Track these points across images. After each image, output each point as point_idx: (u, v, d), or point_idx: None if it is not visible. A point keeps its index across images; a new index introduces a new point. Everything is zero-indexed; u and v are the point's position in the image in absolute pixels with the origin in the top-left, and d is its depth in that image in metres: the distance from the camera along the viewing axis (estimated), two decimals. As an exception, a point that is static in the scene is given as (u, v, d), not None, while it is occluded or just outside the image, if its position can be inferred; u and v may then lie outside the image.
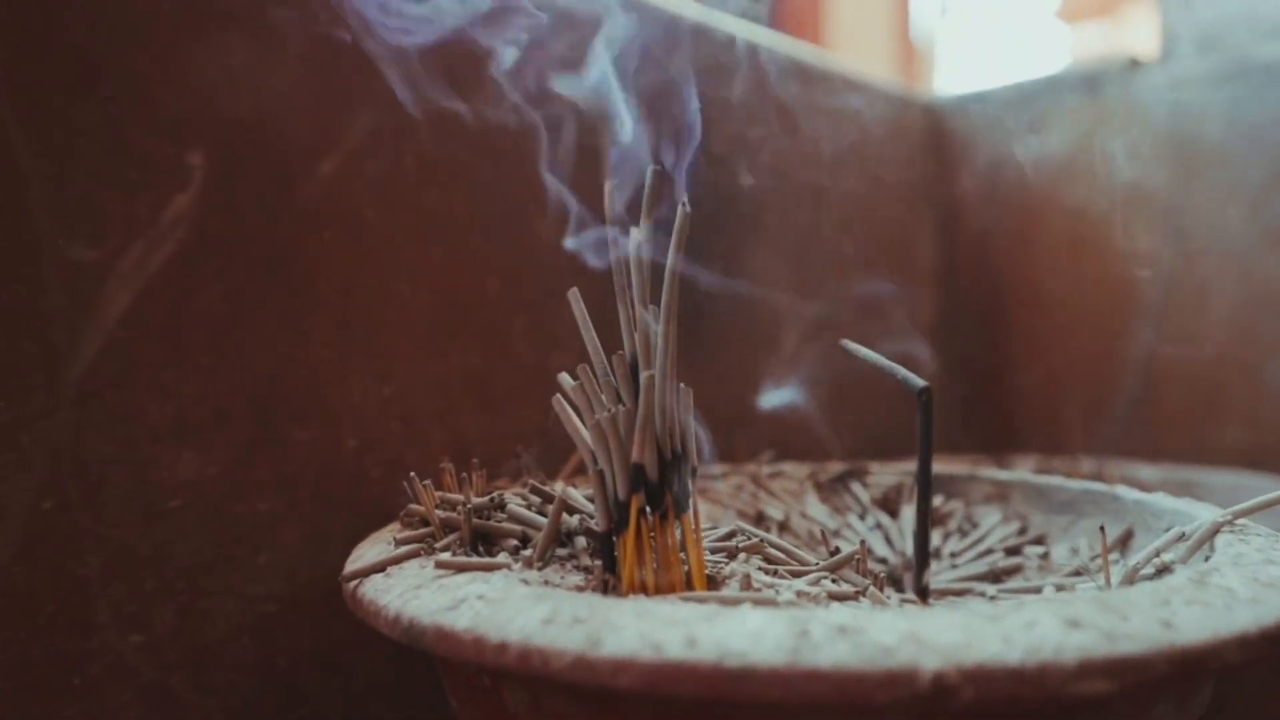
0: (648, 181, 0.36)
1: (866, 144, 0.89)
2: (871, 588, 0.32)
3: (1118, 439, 0.89)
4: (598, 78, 0.51)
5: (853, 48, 1.35)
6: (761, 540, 0.37)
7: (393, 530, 0.40)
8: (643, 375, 0.33)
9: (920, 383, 0.31)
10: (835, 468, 0.55)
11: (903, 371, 0.33)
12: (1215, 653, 0.25)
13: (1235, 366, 0.83)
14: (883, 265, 0.91)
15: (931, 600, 0.35)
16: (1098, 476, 0.67)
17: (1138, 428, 0.88)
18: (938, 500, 0.51)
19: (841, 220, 0.85)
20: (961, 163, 1.00)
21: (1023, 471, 0.54)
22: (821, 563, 0.36)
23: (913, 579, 0.30)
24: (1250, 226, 0.82)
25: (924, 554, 0.30)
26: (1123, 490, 0.44)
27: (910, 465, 0.57)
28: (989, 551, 0.45)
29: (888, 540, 0.48)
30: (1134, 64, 0.91)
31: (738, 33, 0.73)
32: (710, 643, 0.25)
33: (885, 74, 1.02)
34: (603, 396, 0.35)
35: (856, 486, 0.53)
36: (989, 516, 0.48)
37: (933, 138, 1.00)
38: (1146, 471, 0.72)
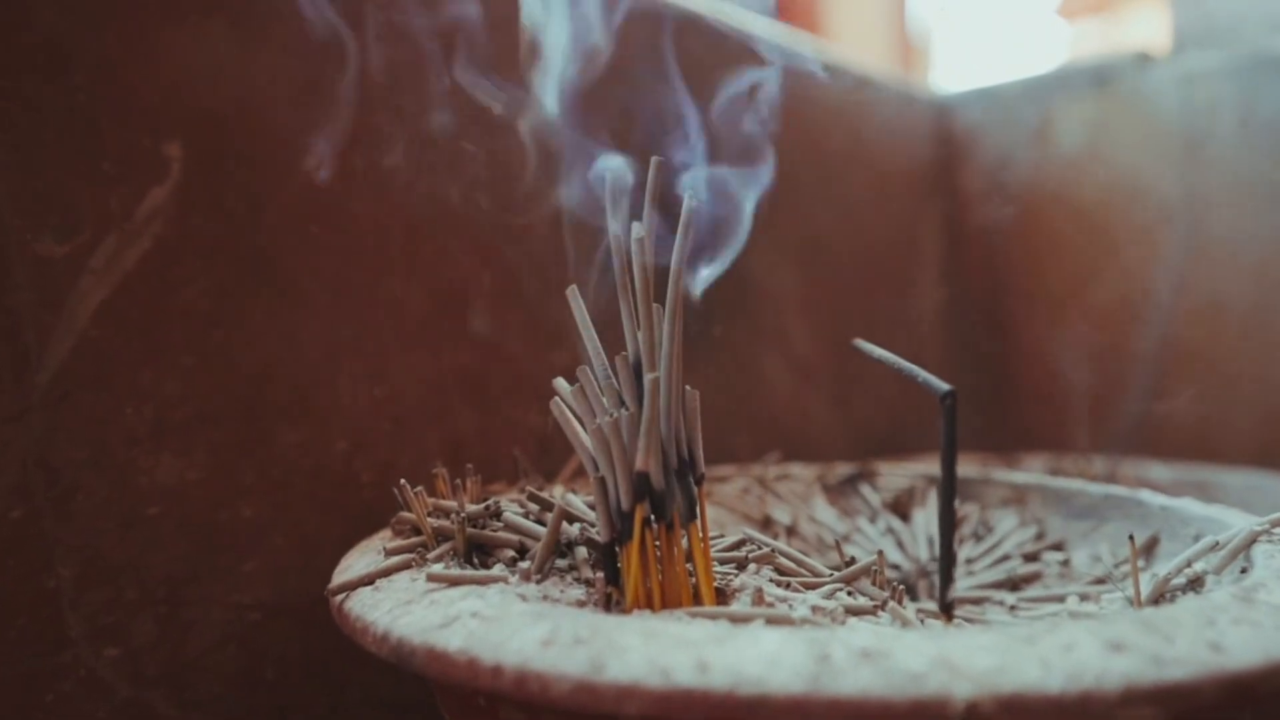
0: (651, 174, 0.34)
1: (872, 139, 0.87)
2: (892, 602, 0.31)
3: (1126, 438, 0.87)
4: (596, 67, 0.49)
5: (850, 43, 1.33)
6: (773, 550, 0.35)
7: (383, 538, 0.38)
8: (647, 377, 0.31)
9: (944, 386, 0.29)
10: (843, 469, 0.53)
11: (923, 374, 0.31)
12: (1268, 677, 0.23)
13: (1247, 364, 0.81)
14: (888, 261, 0.89)
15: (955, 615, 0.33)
16: (1111, 477, 0.65)
17: (1147, 426, 0.86)
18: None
19: (847, 216, 0.83)
20: (968, 158, 0.99)
21: (1039, 474, 0.52)
22: (836, 574, 0.34)
23: (938, 595, 0.28)
24: (1263, 221, 0.80)
25: (949, 567, 0.28)
26: (1147, 495, 0.42)
27: (919, 466, 0.55)
28: (1006, 558, 0.44)
29: (900, 545, 0.46)
30: (1144, 58, 0.89)
31: (742, 25, 0.71)
32: (723, 667, 0.23)
33: (885, 68, 1.00)
34: (604, 400, 0.33)
35: (866, 489, 0.51)
36: (1005, 521, 0.47)
37: (939, 133, 0.98)
38: (1159, 471, 0.70)
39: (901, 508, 0.50)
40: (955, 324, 0.98)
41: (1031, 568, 0.42)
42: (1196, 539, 0.37)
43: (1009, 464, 0.74)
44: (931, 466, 0.56)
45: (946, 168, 0.98)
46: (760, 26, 0.74)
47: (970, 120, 0.98)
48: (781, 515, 0.48)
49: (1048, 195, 0.94)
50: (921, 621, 0.31)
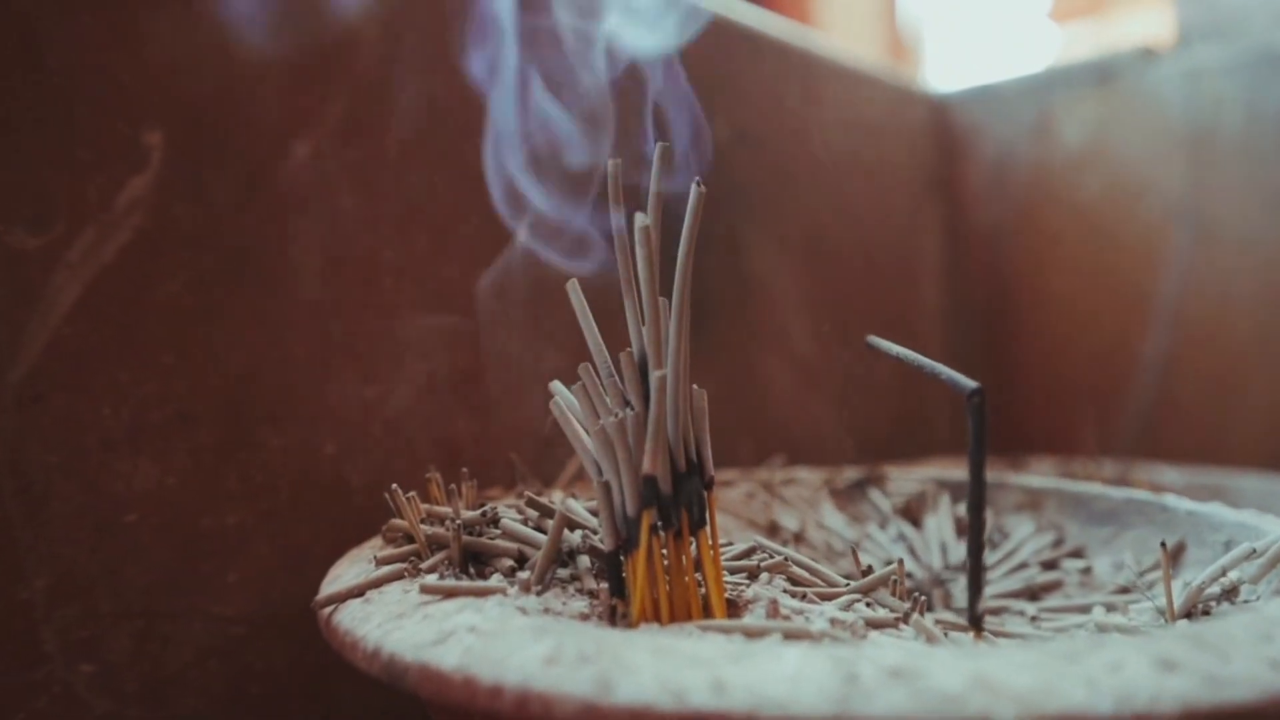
0: (655, 160, 0.32)
1: (871, 137, 0.86)
2: (915, 616, 0.29)
3: (1132, 440, 0.85)
4: (593, 58, 0.48)
5: (841, 38, 1.32)
6: (786, 559, 0.33)
7: (374, 547, 0.36)
8: (654, 375, 0.29)
9: (970, 384, 0.27)
10: (851, 473, 0.51)
11: (947, 371, 0.29)
12: (1334, 698, 0.21)
13: (1256, 364, 0.79)
14: (888, 261, 0.88)
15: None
16: (1123, 480, 0.64)
17: (1153, 428, 0.85)
18: (961, 509, 0.48)
19: (846, 215, 0.81)
20: (968, 156, 0.97)
21: (1054, 478, 0.50)
22: (853, 584, 0.32)
23: (968, 606, 0.27)
24: (1271, 219, 0.79)
25: (978, 577, 0.26)
26: (1172, 499, 0.40)
27: (928, 469, 0.54)
28: (1024, 566, 0.42)
29: (912, 553, 0.45)
30: (1148, 54, 0.88)
31: (740, 18, 0.70)
32: (741, 688, 0.21)
33: (884, 65, 0.98)
34: (607, 399, 0.31)
35: (875, 494, 0.50)
36: (1021, 527, 0.45)
37: (938, 131, 0.96)
38: (1170, 475, 0.68)
39: (912, 513, 0.49)
40: (956, 324, 0.96)
41: (1051, 576, 0.40)
42: (1228, 546, 0.36)
43: (1015, 467, 0.72)
44: (941, 470, 0.54)
45: (946, 166, 0.97)
46: (761, 20, 0.72)
47: (970, 118, 0.97)
48: (789, 521, 0.46)
49: (1050, 194, 0.93)
50: (945, 635, 0.29)
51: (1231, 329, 0.81)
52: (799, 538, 0.46)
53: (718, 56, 0.68)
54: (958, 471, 0.53)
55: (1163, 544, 0.32)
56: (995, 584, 0.41)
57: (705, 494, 0.31)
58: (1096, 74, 0.90)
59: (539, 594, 0.30)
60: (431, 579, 0.30)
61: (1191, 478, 0.68)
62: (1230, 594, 0.31)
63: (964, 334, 0.96)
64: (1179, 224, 0.84)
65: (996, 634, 0.33)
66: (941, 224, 0.96)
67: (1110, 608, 0.36)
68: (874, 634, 0.28)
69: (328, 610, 0.30)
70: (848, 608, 0.30)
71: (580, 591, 0.31)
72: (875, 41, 1.52)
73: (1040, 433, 0.91)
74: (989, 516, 0.46)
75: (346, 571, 0.33)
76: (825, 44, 0.81)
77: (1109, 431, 0.87)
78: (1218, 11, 0.85)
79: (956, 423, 0.92)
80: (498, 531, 0.34)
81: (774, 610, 0.28)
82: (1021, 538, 0.44)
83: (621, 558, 0.30)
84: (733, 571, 0.33)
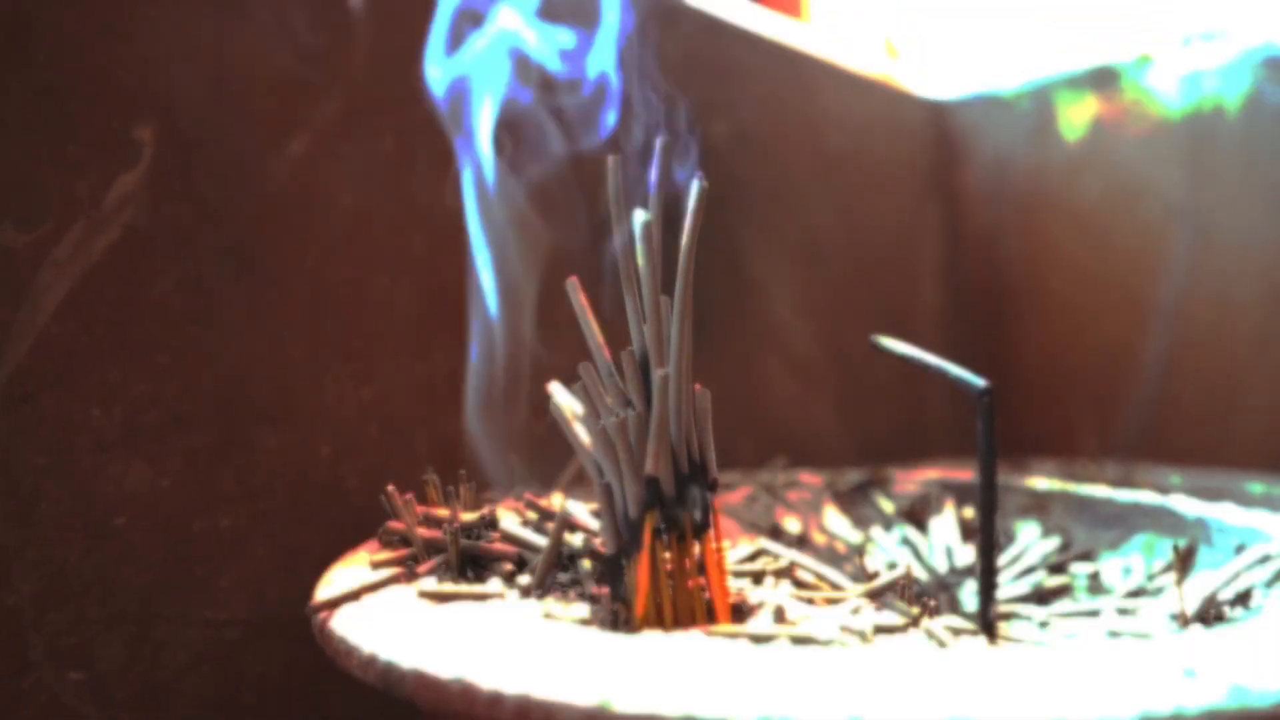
0: (656, 156, 0.32)
1: (871, 139, 0.85)
2: (925, 621, 0.28)
3: (1133, 441, 0.85)
4: (592, 55, 0.47)
5: (838, 38, 1.32)
6: (791, 562, 0.32)
7: (370, 550, 0.35)
8: (656, 374, 0.29)
9: (980, 383, 0.26)
10: (853, 476, 0.51)
11: (955, 370, 0.28)
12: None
13: (1256, 365, 0.79)
14: (888, 262, 0.87)
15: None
16: (1126, 483, 0.63)
17: (1154, 429, 0.84)
18: (968, 512, 0.47)
19: (845, 215, 0.81)
20: (967, 159, 0.97)
21: (1060, 481, 0.50)
22: (861, 588, 0.32)
23: (979, 611, 0.26)
24: (1271, 219, 0.79)
25: (990, 580, 0.25)
26: (1180, 502, 0.39)
27: (931, 472, 0.53)
28: (1031, 570, 0.41)
29: (917, 556, 0.44)
30: (1147, 56, 0.88)
31: (740, 18, 0.69)
32: (748, 695, 0.20)
33: (883, 67, 0.98)
34: (608, 399, 0.30)
35: (878, 496, 0.49)
36: (1027, 530, 0.44)
37: (938, 132, 0.96)
38: (1173, 477, 0.68)
39: (916, 516, 0.48)
40: (956, 325, 0.96)
41: (1059, 580, 0.40)
42: (1238, 550, 0.35)
43: (1017, 470, 0.71)
44: (944, 472, 0.53)
45: (946, 168, 0.97)
46: (761, 20, 0.72)
47: (969, 119, 0.97)
48: (791, 524, 0.45)
49: (1049, 195, 0.93)
50: (956, 640, 0.29)
51: (1231, 329, 0.81)
52: (802, 541, 0.45)
53: (718, 56, 0.67)
54: (960, 473, 0.52)
55: (1175, 547, 0.31)
56: (1003, 588, 0.40)
57: (709, 496, 0.30)
58: (1095, 77, 0.89)
59: (539, 599, 0.29)
60: (429, 583, 0.30)
61: (1195, 480, 0.67)
62: (1244, 599, 0.31)
63: (963, 335, 0.96)
64: (1179, 224, 0.84)
65: (1008, 639, 0.32)
66: (941, 225, 0.96)
67: (1121, 612, 0.35)
68: (883, 639, 0.28)
69: (322, 616, 0.30)
70: (855, 612, 0.30)
71: (581, 596, 0.30)
72: (873, 42, 1.51)
73: (1041, 434, 0.91)
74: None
75: (342, 575, 0.33)
76: (825, 45, 0.81)
77: (1110, 433, 0.87)
78: (1217, 11, 0.85)
79: (957, 425, 0.91)
80: (496, 535, 0.34)
81: (781, 615, 0.28)
82: (1028, 541, 0.43)
83: (623, 561, 0.29)
84: (737, 575, 0.32)
